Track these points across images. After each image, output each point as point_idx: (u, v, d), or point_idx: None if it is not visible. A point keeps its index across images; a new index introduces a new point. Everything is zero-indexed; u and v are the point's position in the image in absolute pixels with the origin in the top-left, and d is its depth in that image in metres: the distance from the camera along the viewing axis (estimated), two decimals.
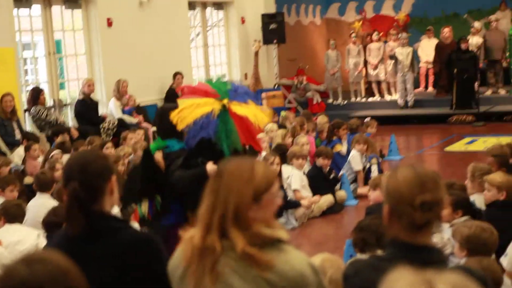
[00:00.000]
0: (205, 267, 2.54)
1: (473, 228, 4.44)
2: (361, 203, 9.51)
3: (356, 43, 17.99)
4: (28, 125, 12.01)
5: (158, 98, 14.72)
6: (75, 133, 11.83)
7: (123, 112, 13.18)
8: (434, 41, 17.90)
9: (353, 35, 18.17)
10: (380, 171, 10.31)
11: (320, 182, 9.58)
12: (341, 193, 9.77)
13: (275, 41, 17.69)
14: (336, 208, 9.51)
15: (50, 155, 9.40)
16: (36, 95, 11.91)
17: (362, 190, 10.01)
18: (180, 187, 5.62)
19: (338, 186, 9.90)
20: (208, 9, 17.58)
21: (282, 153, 9.41)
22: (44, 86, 12.76)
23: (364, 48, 18.08)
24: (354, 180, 10.38)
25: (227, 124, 5.60)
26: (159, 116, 6.14)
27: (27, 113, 12.05)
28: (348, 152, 10.75)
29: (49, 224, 5.57)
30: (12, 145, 10.87)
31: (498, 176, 5.79)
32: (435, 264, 2.49)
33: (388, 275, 1.66)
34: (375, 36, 18.06)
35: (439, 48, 17.25)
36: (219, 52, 18.00)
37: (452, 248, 4.71)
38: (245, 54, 17.94)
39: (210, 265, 2.53)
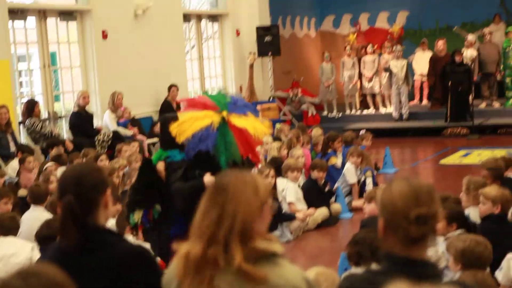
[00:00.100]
0: (202, 281, 2.52)
1: (468, 241, 4.44)
2: (356, 216, 9.50)
3: (350, 56, 18.03)
4: (23, 138, 11.99)
5: (153, 110, 14.72)
6: (70, 146, 11.82)
7: (118, 124, 13.17)
8: (428, 54, 17.96)
9: (348, 47, 18.21)
10: (375, 184, 10.31)
11: (315, 194, 9.57)
12: (336, 206, 9.76)
13: (270, 53, 17.73)
14: (331, 221, 9.49)
15: (44, 167, 9.37)
16: (31, 107, 11.89)
17: (357, 203, 10.00)
18: (178, 199, 5.66)
19: (333, 199, 9.89)
20: (203, 21, 17.62)
21: (277, 166, 9.41)
22: (39, 98, 12.75)
23: (359, 60, 18.13)
24: (349, 193, 10.37)
25: (226, 137, 5.66)
26: (162, 126, 6.18)
27: (21, 126, 12.03)
28: (343, 164, 10.75)
29: (42, 237, 5.55)
30: (7, 157, 10.86)
31: (493, 190, 5.80)
32: (430, 279, 2.48)
33: None
34: (369, 48, 18.12)
35: (433, 61, 17.30)
36: (214, 64, 18.02)
37: (447, 261, 4.71)
38: (240, 66, 17.97)
39: (208, 279, 2.52)
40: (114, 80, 13.54)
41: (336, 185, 10.25)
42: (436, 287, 1.62)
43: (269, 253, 2.54)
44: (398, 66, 16.85)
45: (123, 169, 9.67)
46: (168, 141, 5.86)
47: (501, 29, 18.34)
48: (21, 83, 16.16)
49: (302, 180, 9.99)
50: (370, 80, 17.93)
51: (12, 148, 11.01)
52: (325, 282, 3.63)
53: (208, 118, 5.65)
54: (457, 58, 16.09)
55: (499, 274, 4.89)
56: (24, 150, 10.64)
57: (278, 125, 13.34)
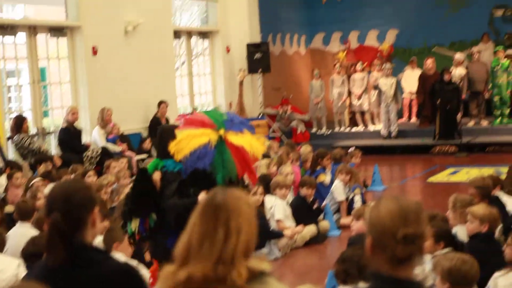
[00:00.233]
0: None
1: (454, 260, 4.44)
2: (344, 234, 9.50)
3: (340, 73, 18.09)
4: (11, 153, 11.94)
5: (143, 126, 14.71)
6: (58, 161, 11.78)
7: (107, 140, 13.15)
8: (417, 72, 18.04)
9: (337, 65, 18.28)
10: (364, 201, 10.32)
11: (304, 212, 9.56)
12: (324, 224, 9.75)
13: (260, 70, 17.77)
14: (319, 239, 9.48)
15: (30, 184, 9.31)
16: (19, 123, 11.86)
17: (345, 220, 10.00)
18: (172, 214, 5.71)
19: (321, 216, 9.88)
20: (194, 38, 17.65)
21: (266, 183, 9.41)
22: (28, 114, 12.72)
23: (348, 78, 18.20)
24: (337, 210, 10.37)
25: (224, 154, 5.72)
26: (159, 136, 6.24)
27: (10, 141, 11.99)
28: (332, 182, 10.75)
29: (29, 254, 5.52)
30: None
31: (480, 208, 5.81)
32: None
33: None
34: (359, 66, 18.20)
35: (422, 79, 17.38)
36: (204, 81, 18.04)
37: (434, 280, 4.71)
38: (230, 83, 18.00)
39: None
40: (104, 96, 13.53)
41: (324, 203, 10.25)
42: None
43: (258, 272, 2.54)
44: (387, 84, 16.91)
45: (111, 186, 9.65)
46: (164, 150, 5.91)
47: (489, 48, 18.46)
48: (10, 99, 16.11)
49: (290, 197, 9.98)
50: (359, 97, 18.00)
51: (0, 164, 10.96)
52: None
53: (205, 136, 5.73)
54: (446, 77, 16.17)
55: None
56: (12, 166, 10.60)
57: (267, 142, 13.33)
